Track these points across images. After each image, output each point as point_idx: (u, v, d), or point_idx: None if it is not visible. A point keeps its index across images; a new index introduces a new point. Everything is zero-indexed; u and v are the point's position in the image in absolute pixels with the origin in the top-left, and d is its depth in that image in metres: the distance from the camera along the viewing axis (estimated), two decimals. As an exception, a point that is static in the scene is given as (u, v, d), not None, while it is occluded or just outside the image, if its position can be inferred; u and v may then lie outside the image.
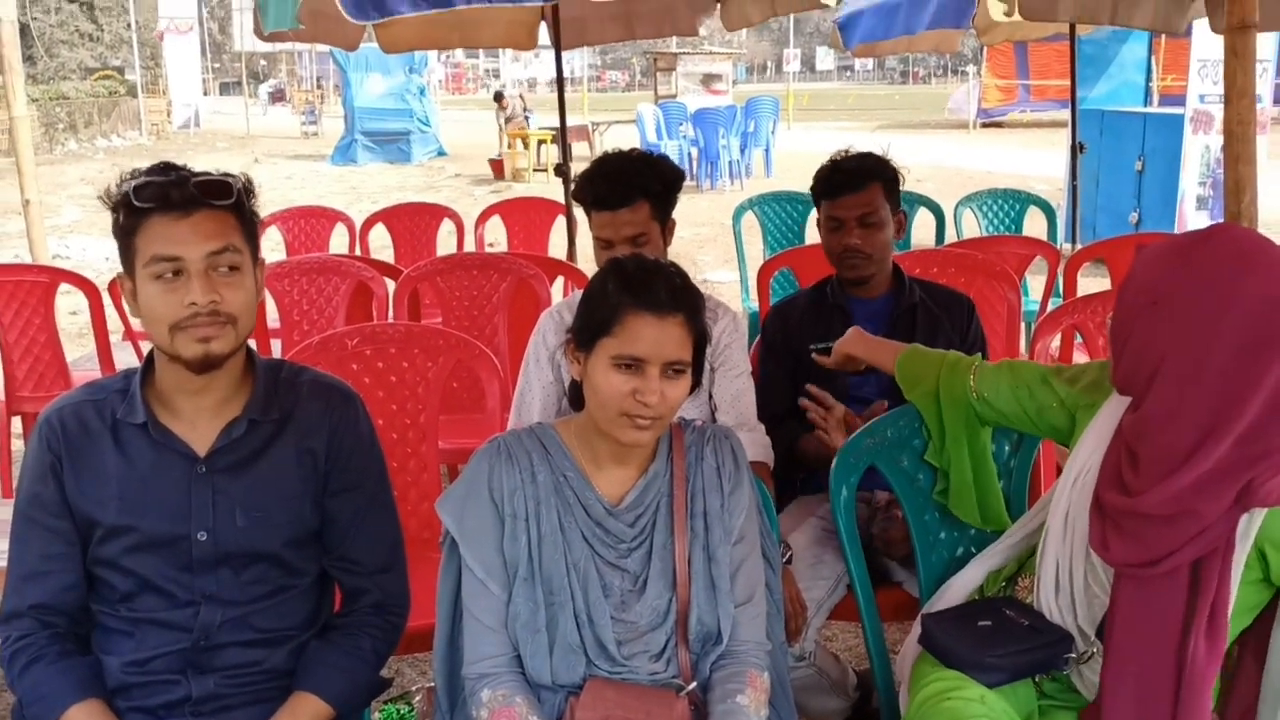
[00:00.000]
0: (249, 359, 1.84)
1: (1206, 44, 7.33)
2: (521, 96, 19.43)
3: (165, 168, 1.71)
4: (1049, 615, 1.85)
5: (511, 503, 1.76)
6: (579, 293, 2.75)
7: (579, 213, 5.15)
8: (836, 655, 2.69)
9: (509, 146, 18.02)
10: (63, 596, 1.78)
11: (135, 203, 1.66)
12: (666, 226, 2.53)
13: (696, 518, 1.80)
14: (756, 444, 2.49)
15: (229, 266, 1.69)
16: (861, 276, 2.71)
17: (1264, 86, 8.33)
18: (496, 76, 65.89)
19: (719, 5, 5.18)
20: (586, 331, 1.74)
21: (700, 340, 1.75)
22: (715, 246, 10.47)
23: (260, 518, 1.79)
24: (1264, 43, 4.63)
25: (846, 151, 2.75)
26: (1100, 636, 1.79)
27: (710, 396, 2.56)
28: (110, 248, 1.78)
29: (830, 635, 3.22)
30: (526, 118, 18.91)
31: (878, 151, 2.78)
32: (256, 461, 1.80)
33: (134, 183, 1.67)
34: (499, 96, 19.66)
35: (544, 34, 5.52)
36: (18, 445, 4.68)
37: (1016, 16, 4.46)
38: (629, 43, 6.31)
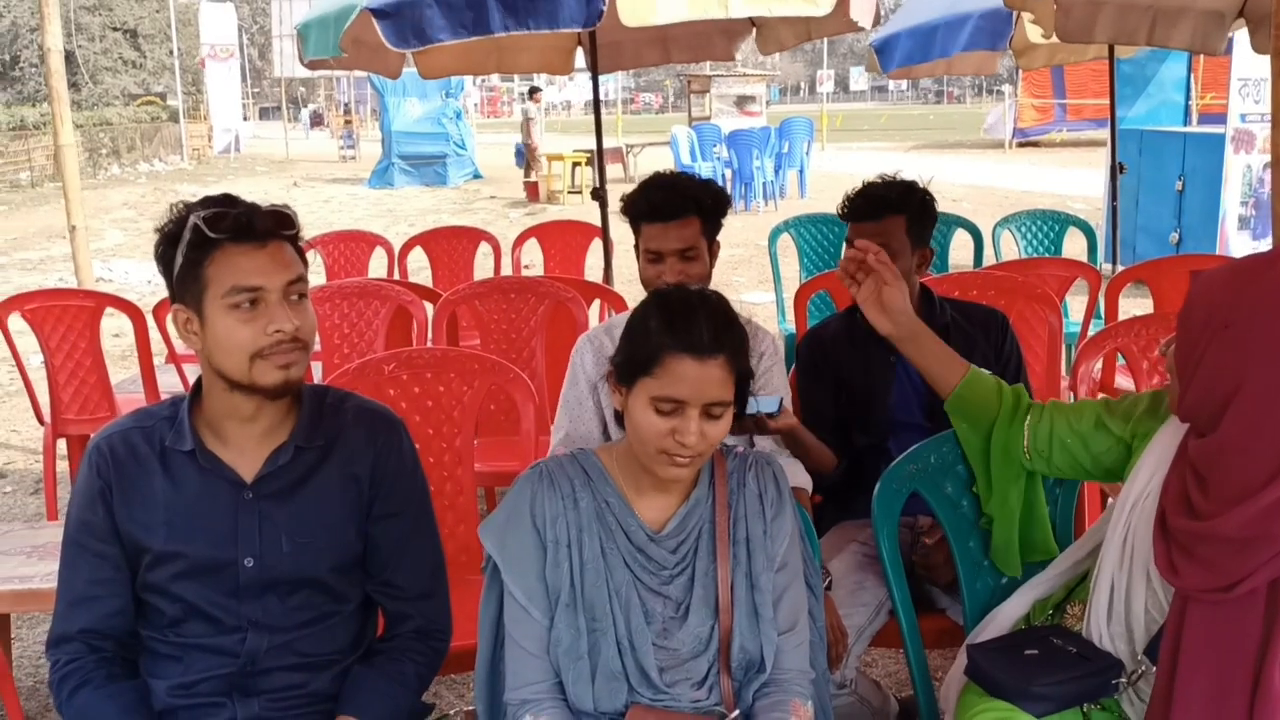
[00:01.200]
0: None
1: (1248, 62, 7.27)
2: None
3: (229, 199, 1.74)
4: (1098, 641, 1.82)
5: (554, 529, 1.76)
6: (616, 317, 2.79)
7: (615, 236, 5.20)
8: (878, 682, 2.66)
9: (533, 164, 18.08)
10: (111, 621, 1.80)
11: (210, 233, 1.68)
12: (713, 247, 2.54)
13: (739, 544, 1.80)
14: (797, 470, 2.48)
15: (299, 294, 1.74)
16: None
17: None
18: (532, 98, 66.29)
19: (754, 30, 5.19)
20: (627, 368, 1.74)
21: (743, 380, 1.74)
22: (750, 268, 10.47)
23: (306, 544, 1.81)
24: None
25: (887, 176, 2.72)
26: (1149, 655, 1.76)
27: None
28: (153, 270, 1.80)
29: (870, 660, 3.20)
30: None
31: (919, 180, 2.75)
32: (302, 487, 1.82)
33: (205, 213, 1.69)
34: (534, 91, 19.63)
35: (580, 58, 5.57)
36: (63, 466, 4.77)
37: (1054, 39, 4.45)
38: (664, 65, 6.34)
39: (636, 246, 2.55)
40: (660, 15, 3.92)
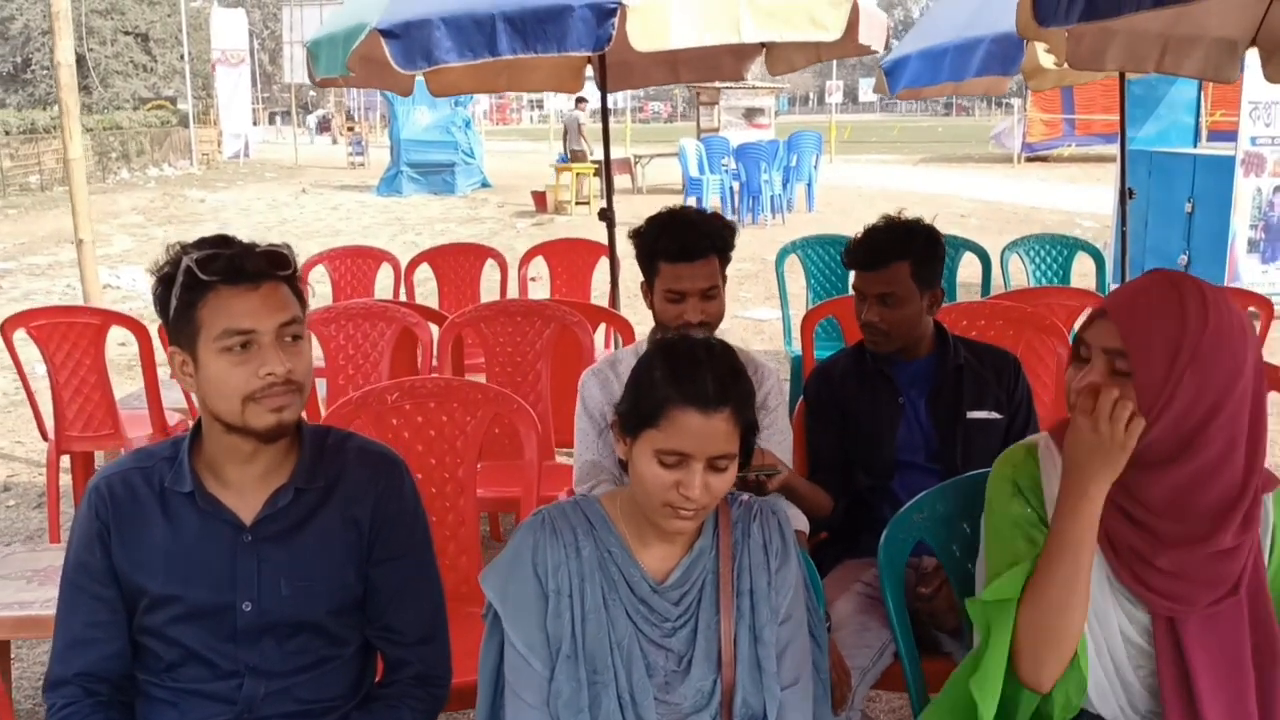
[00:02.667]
0: (296, 426, 1.85)
1: (1258, 85, 7.23)
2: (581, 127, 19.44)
3: (222, 240, 1.73)
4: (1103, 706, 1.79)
5: (555, 578, 1.74)
6: (621, 351, 2.77)
7: (620, 254, 5.18)
8: (881, 724, 2.64)
9: (557, 180, 18.13)
10: (108, 665, 1.78)
11: (202, 275, 1.67)
12: (723, 282, 2.54)
13: (743, 596, 1.78)
14: (794, 513, 2.47)
15: (293, 336, 1.72)
16: (881, 352, 2.68)
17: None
18: (540, 107, 66.46)
19: (764, 51, 5.18)
20: (631, 419, 1.72)
21: (748, 432, 1.72)
22: (757, 283, 10.45)
23: (305, 587, 1.79)
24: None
25: (892, 216, 2.70)
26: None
27: None
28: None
29: (873, 696, 3.17)
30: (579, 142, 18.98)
31: (925, 218, 2.73)
32: (302, 530, 1.80)
33: (197, 255, 1.68)
34: (580, 100, 19.66)
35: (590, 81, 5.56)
36: (66, 480, 4.76)
37: (1065, 65, 4.42)
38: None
39: (649, 284, 2.53)
40: (673, 40, 3.91)
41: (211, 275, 1.67)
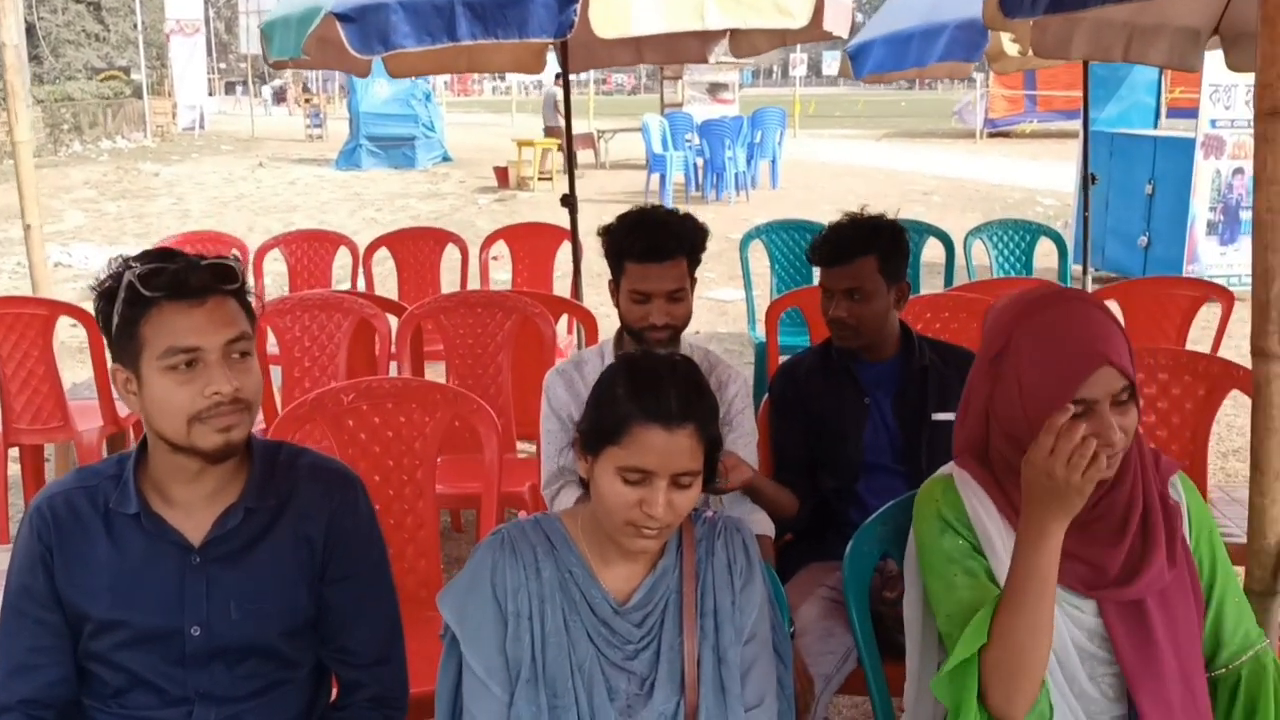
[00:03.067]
0: (246, 443, 1.79)
1: (1218, 69, 7.27)
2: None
3: (165, 254, 1.66)
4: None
5: (515, 600, 1.70)
6: (586, 351, 2.73)
7: (583, 238, 5.12)
8: (845, 729, 2.63)
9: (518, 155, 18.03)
10: (52, 691, 1.72)
11: (144, 291, 1.60)
12: (692, 285, 2.50)
13: (707, 616, 1.74)
14: (760, 518, 2.45)
15: (240, 352, 1.66)
16: (848, 347, 2.66)
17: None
18: (502, 78, 65.83)
19: (728, 34, 5.12)
20: (593, 436, 1.68)
21: (713, 447, 1.69)
22: (720, 263, 10.40)
23: (255, 609, 1.74)
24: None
25: (856, 213, 2.68)
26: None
27: None
28: (114, 254, 1.72)
29: (832, 702, 3.16)
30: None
31: (889, 212, 2.71)
32: (252, 550, 1.75)
33: (140, 269, 1.61)
34: (559, 75, 19.46)
35: (552, 58, 5.48)
36: (14, 470, 4.65)
37: (1030, 53, 4.41)
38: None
39: (615, 284, 2.49)
40: (635, 27, 3.85)
41: (154, 291, 1.60)
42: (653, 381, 1.65)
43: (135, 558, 1.71)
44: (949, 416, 2.59)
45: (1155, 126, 10.34)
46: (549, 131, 18.55)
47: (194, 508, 1.73)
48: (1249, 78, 7.63)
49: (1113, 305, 4.33)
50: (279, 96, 44.08)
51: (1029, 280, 4.75)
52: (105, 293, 1.65)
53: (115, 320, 1.63)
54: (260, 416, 4.01)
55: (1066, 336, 1.64)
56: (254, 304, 1.73)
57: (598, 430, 1.67)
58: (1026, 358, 1.67)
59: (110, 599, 1.70)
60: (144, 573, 1.71)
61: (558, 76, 19.66)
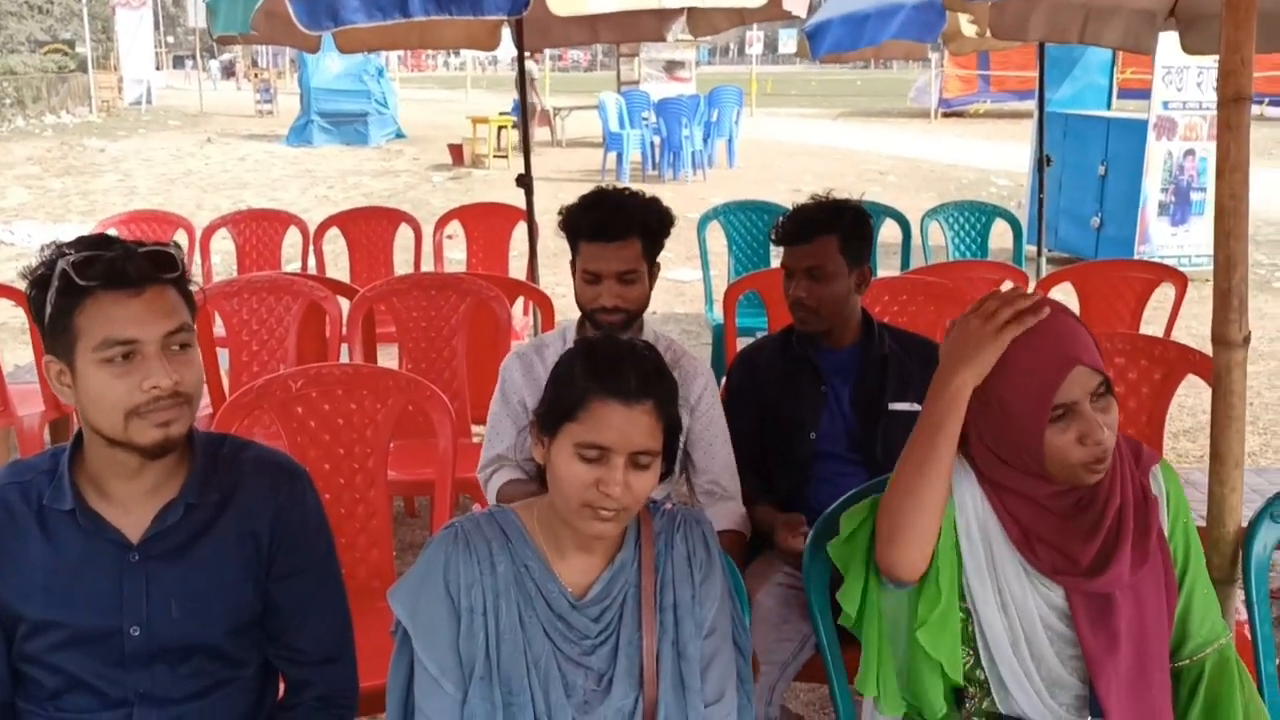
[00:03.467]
0: (187, 436, 1.72)
1: (1171, 51, 7.32)
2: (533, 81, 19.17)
3: (101, 240, 1.58)
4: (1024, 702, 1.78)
5: (469, 596, 1.65)
6: (547, 335, 2.68)
7: (540, 220, 5.06)
8: (801, 717, 2.61)
9: (533, 121, 17.99)
10: None
11: (79, 280, 1.52)
12: (653, 270, 2.45)
13: (666, 611, 1.71)
14: (735, 514, 2.41)
15: (180, 344, 1.58)
16: (809, 330, 2.63)
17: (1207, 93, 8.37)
18: (457, 54, 65.10)
19: (685, 13, 5.06)
20: (551, 416, 1.65)
21: (671, 429, 1.66)
22: (677, 243, 10.31)
23: (197, 608, 1.68)
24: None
25: (820, 195, 2.66)
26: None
27: (687, 456, 2.48)
28: (58, 233, 1.63)
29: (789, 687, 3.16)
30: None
31: (852, 196, 2.69)
32: (194, 547, 1.69)
33: (74, 257, 1.54)
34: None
35: (507, 35, 5.38)
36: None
37: (988, 35, 4.40)
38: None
39: (574, 263, 2.45)
40: (592, 4, 3.79)
41: (89, 280, 1.52)
42: (612, 359, 1.63)
43: (71, 556, 1.64)
44: (906, 407, 2.59)
45: (1108, 108, 10.41)
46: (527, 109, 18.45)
47: (132, 504, 1.66)
48: (1201, 60, 7.70)
49: (1068, 289, 4.36)
50: (227, 71, 43.31)
51: (986, 264, 4.75)
52: (37, 280, 1.57)
53: (48, 310, 1.56)
54: (206, 402, 3.92)
55: (1034, 345, 1.64)
56: (195, 293, 1.66)
57: (555, 409, 1.64)
58: (999, 380, 1.67)
59: (45, 599, 1.63)
60: (80, 571, 1.64)
61: (532, 52, 19.69)
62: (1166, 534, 1.77)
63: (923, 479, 1.68)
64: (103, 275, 1.53)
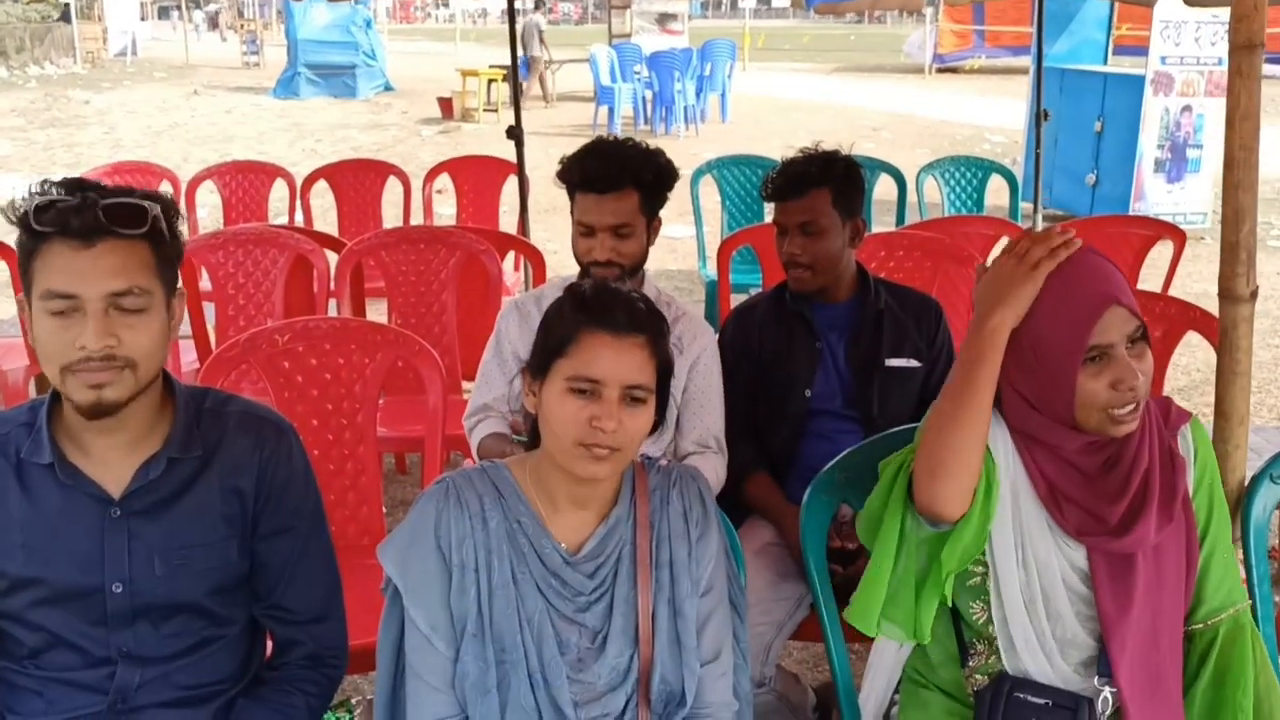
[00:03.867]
0: (168, 388, 1.67)
1: (1170, 5, 7.24)
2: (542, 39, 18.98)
3: (74, 185, 1.52)
4: (1031, 663, 1.76)
5: (460, 552, 1.62)
6: (547, 287, 2.63)
7: (531, 175, 4.98)
8: (796, 675, 2.60)
9: (536, 74, 17.94)
10: None
11: (35, 225, 1.47)
12: (652, 225, 2.39)
13: (662, 568, 1.68)
14: (716, 467, 2.38)
15: (133, 308, 1.51)
16: (804, 288, 2.57)
17: (1221, 50, 8.27)
18: (446, 5, 64.30)
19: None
20: (541, 355, 1.62)
21: (664, 369, 1.63)
22: (671, 199, 10.25)
23: (181, 565, 1.64)
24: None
25: (810, 148, 2.59)
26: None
27: (679, 418, 2.43)
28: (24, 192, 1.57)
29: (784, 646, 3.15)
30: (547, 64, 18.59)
31: (842, 148, 2.63)
32: (177, 502, 1.64)
33: (37, 201, 1.48)
34: (539, 2, 19.35)
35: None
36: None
37: (989, -16, 4.32)
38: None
39: (573, 214, 2.40)
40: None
41: (44, 226, 1.47)
42: (602, 296, 1.62)
43: (51, 511, 1.60)
44: (903, 362, 2.56)
45: (1105, 63, 10.30)
46: (532, 61, 18.33)
47: (112, 458, 1.62)
48: (1200, 14, 7.60)
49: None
50: (212, 22, 42.71)
51: (983, 219, 4.69)
52: (18, 219, 1.52)
53: (19, 249, 1.51)
54: (193, 358, 3.87)
55: (1072, 283, 1.60)
56: (179, 242, 1.60)
57: (546, 347, 1.62)
58: (1033, 313, 1.62)
59: (24, 555, 1.59)
60: (60, 527, 1.60)
61: (538, 4, 19.59)
62: (1190, 494, 1.74)
63: (964, 413, 1.64)
64: (54, 223, 1.47)
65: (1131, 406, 1.61)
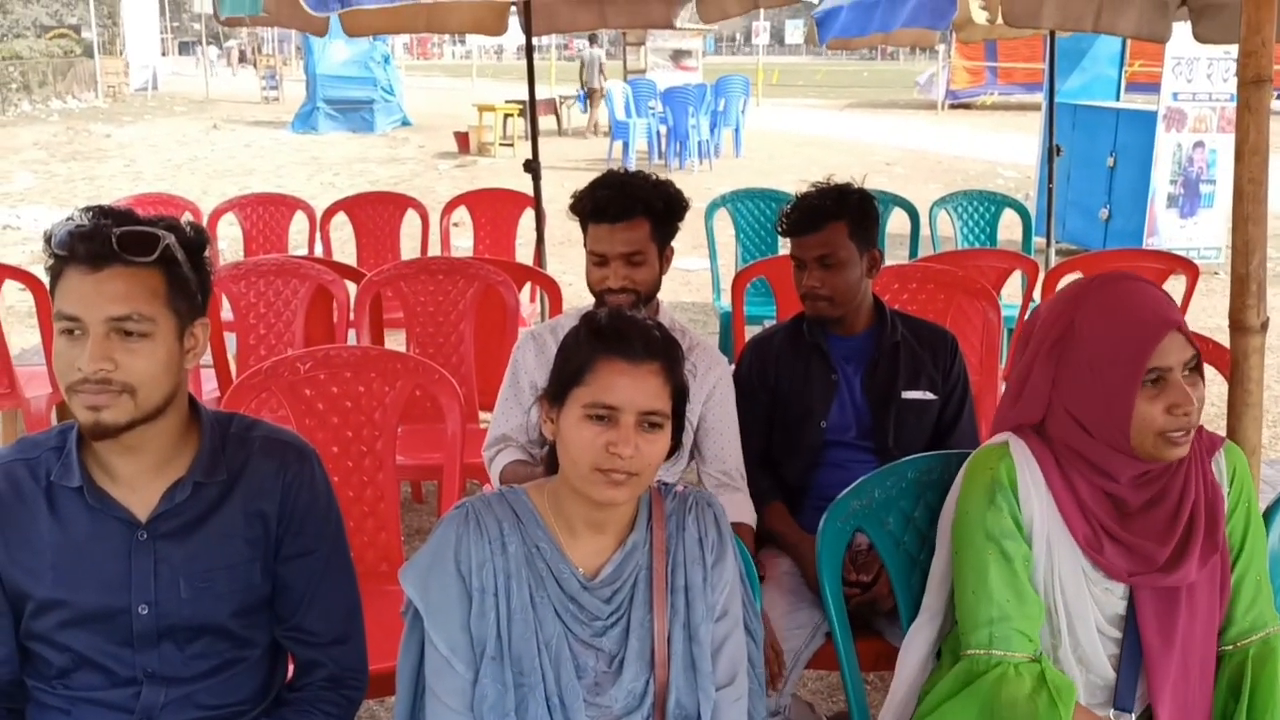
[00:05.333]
0: (194, 413, 1.71)
1: (1182, 41, 7.30)
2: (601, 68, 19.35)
3: (98, 212, 1.56)
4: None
5: (479, 576, 1.64)
6: (564, 317, 2.66)
7: (547, 208, 5.03)
8: (811, 704, 2.60)
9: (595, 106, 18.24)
10: None
11: (54, 250, 1.53)
12: (665, 254, 2.43)
13: (677, 593, 1.70)
14: (742, 505, 2.39)
15: (136, 333, 1.54)
16: (824, 318, 2.60)
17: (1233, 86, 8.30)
18: (463, 41, 64.93)
19: (695, -1, 5.03)
20: (558, 383, 1.65)
21: (679, 395, 1.65)
22: (685, 231, 10.20)
23: (205, 587, 1.67)
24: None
25: (822, 182, 2.63)
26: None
27: (696, 446, 2.46)
28: (65, 217, 1.62)
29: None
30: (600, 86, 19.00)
31: (854, 180, 2.66)
32: (202, 526, 1.67)
33: (59, 226, 1.54)
34: (594, 38, 19.69)
35: (515, 23, 5.35)
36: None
37: (999, 22, 4.36)
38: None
39: (586, 245, 2.44)
40: (600, -14, 3.75)
41: (59, 250, 1.53)
42: (617, 325, 1.65)
43: (79, 533, 1.63)
44: (918, 394, 2.58)
45: (1117, 100, 10.36)
46: (592, 95, 18.85)
47: (139, 482, 1.65)
48: (1212, 51, 7.64)
49: (1078, 278, 4.32)
50: (239, 56, 43.23)
51: (997, 252, 4.72)
52: (45, 244, 1.58)
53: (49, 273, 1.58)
54: (214, 385, 3.91)
55: (1134, 307, 1.65)
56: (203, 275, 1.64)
57: (562, 376, 1.65)
58: (1094, 334, 1.67)
59: (53, 577, 1.62)
60: (88, 549, 1.63)
61: (593, 39, 20.03)
62: (1225, 516, 1.76)
63: None
64: (65, 247, 1.53)
65: (1184, 431, 1.64)
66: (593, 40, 19.58)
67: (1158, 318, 1.63)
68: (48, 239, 1.55)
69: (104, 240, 1.52)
